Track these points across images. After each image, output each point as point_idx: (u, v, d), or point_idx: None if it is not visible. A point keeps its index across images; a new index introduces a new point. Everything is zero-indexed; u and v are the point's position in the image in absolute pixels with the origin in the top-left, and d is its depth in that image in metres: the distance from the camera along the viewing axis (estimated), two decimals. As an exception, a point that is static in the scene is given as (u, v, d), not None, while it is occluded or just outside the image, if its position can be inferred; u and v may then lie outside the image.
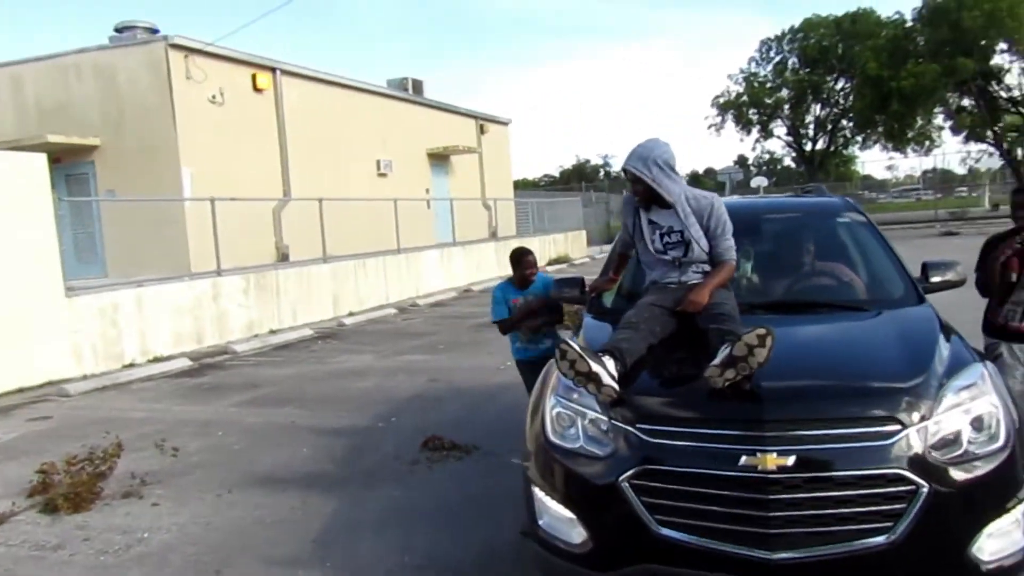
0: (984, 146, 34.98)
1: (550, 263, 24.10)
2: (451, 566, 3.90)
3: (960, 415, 2.83)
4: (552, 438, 3.08)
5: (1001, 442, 2.80)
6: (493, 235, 24.07)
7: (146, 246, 13.38)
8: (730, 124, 41.28)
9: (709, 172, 73.21)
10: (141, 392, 8.81)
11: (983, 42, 28.60)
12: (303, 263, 14.44)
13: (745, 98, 40.37)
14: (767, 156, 51.26)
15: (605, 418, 2.98)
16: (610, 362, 3.05)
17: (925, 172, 47.09)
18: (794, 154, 44.37)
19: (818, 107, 41.16)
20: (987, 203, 45.37)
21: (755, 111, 40.79)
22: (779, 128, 41.96)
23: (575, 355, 3.00)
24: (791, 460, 2.63)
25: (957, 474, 2.70)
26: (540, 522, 3.07)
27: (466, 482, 5.12)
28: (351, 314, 14.53)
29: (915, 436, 2.71)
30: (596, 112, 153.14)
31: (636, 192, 3.63)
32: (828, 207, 4.86)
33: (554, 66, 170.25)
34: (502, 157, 28.11)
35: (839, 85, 39.71)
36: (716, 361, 2.88)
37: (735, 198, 5.52)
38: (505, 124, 28.55)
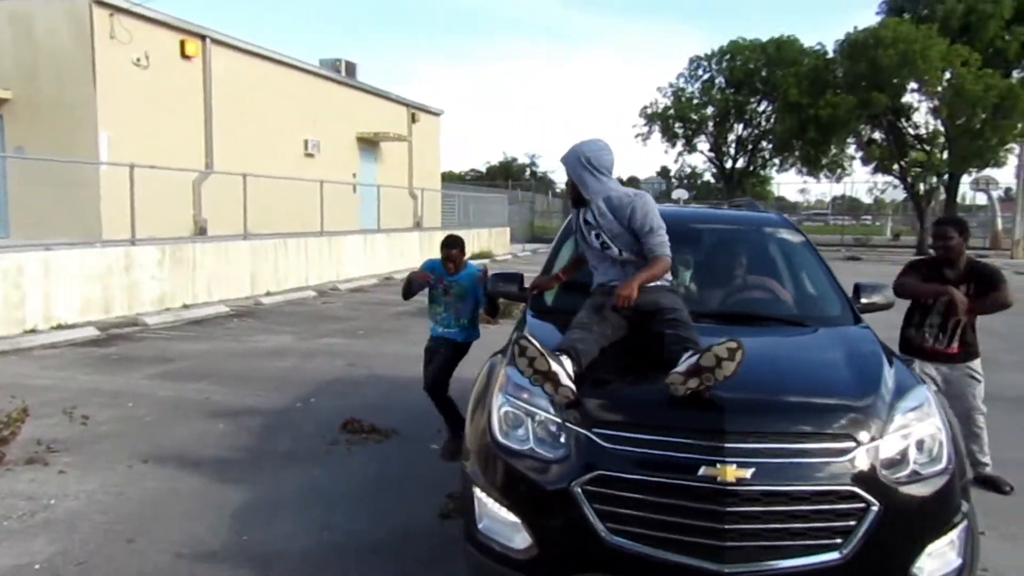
0: (890, 178, 36.87)
1: (473, 257, 23.95)
2: (369, 544, 3.95)
3: (907, 436, 2.86)
4: (499, 438, 2.97)
5: (943, 464, 2.86)
6: (418, 225, 23.97)
7: (55, 209, 12.76)
8: (656, 135, 42.39)
9: (632, 180, 74.65)
10: (44, 359, 8.45)
11: (896, 80, 30.15)
12: (222, 238, 14.07)
13: (672, 111, 41.44)
14: (689, 170, 52.70)
15: (559, 420, 2.89)
16: (567, 362, 2.96)
17: (835, 198, 49.38)
18: (714, 170, 45.79)
19: (740, 127, 42.59)
20: (889, 232, 47.90)
21: (681, 125, 41.92)
22: (703, 143, 43.31)
23: (535, 352, 2.90)
24: (749, 472, 2.60)
25: (904, 494, 2.73)
26: (479, 525, 2.94)
27: (385, 464, 5.17)
28: (269, 294, 14.26)
29: (867, 454, 2.73)
30: (525, 111, 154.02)
31: (568, 187, 3.71)
32: (765, 221, 4.88)
33: (486, 62, 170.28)
34: (432, 148, 28.01)
35: (762, 107, 41.23)
36: (679, 368, 2.83)
37: (670, 207, 5.68)
38: (437, 115, 28.46)
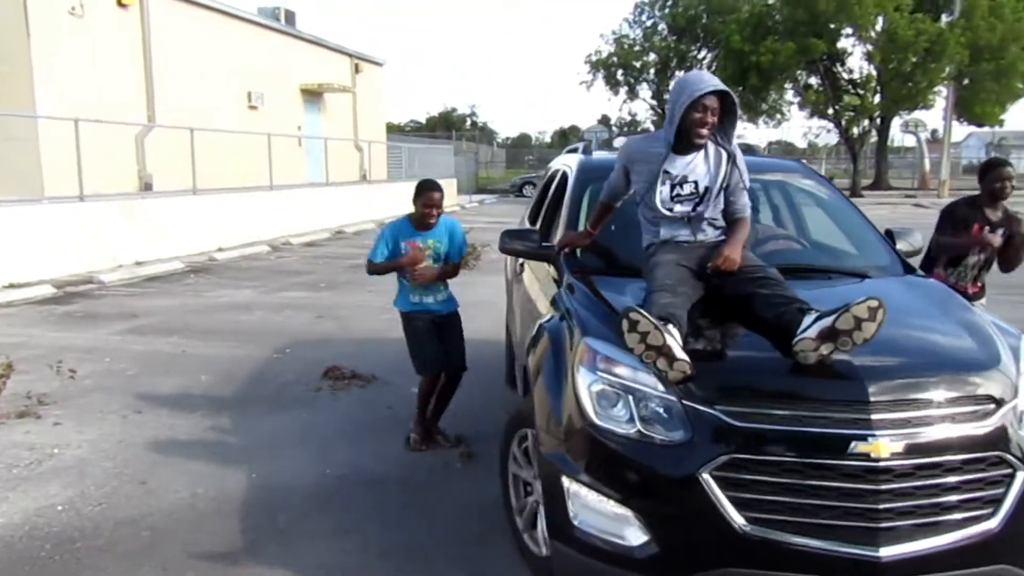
0: (825, 123, 37.92)
1: (421, 209, 24.14)
2: (372, 476, 4.21)
3: None
4: (597, 420, 2.62)
5: None
6: (364, 178, 23.80)
7: (-8, 166, 12.37)
8: (600, 83, 42.53)
9: (574, 129, 74.76)
10: (7, 317, 8.35)
11: (832, 25, 30.82)
12: (171, 194, 13.85)
13: (615, 59, 41.57)
14: (629, 118, 53.11)
15: (673, 397, 2.56)
16: (675, 332, 2.64)
17: (771, 143, 50.60)
18: (655, 117, 46.21)
19: (682, 74, 42.98)
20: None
21: (623, 72, 42.12)
22: (645, 91, 43.66)
23: (648, 325, 2.56)
24: (902, 446, 2.40)
25: None
26: (575, 521, 2.64)
27: (372, 406, 5.39)
28: (221, 249, 14.12)
29: (1007, 416, 2.57)
30: (466, 60, 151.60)
31: (696, 126, 3.07)
32: (790, 168, 4.52)
33: (425, 11, 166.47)
34: (376, 99, 27.63)
35: (702, 55, 41.71)
36: (809, 333, 2.54)
37: None
38: (380, 65, 28.02)
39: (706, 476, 2.42)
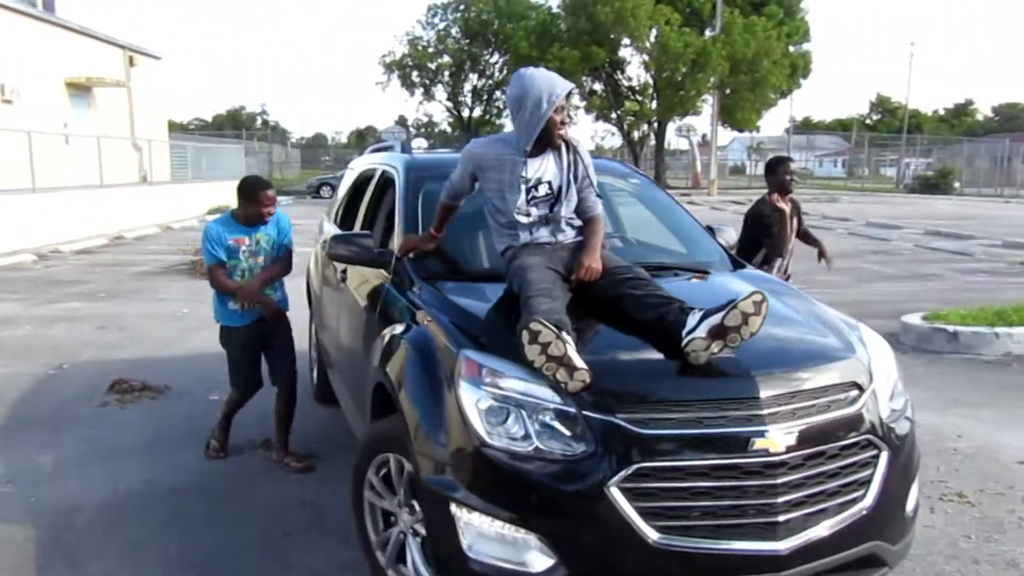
0: (609, 126, 40.55)
1: (210, 212, 22.90)
2: (171, 488, 4.04)
3: (887, 376, 2.86)
4: (490, 440, 2.43)
5: (905, 397, 2.91)
6: (144, 179, 22.18)
7: None
8: (396, 83, 42.55)
9: (371, 130, 74.02)
10: None
11: (612, 36, 32.98)
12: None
13: (409, 60, 41.78)
14: (426, 119, 53.62)
15: (572, 408, 2.42)
16: (571, 339, 2.50)
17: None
18: (451, 119, 47.03)
19: (476, 77, 44.20)
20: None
21: (419, 74, 42.44)
22: (441, 93, 44.28)
23: (550, 335, 2.42)
24: (794, 438, 2.44)
25: (897, 434, 2.74)
26: (470, 552, 2.44)
27: (166, 418, 5.14)
28: (-24, 260, 12.63)
29: (870, 400, 2.70)
30: (255, 58, 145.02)
31: (557, 128, 2.99)
32: (616, 170, 4.47)
33: (212, 4, 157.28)
34: (155, 95, 25.78)
35: (495, 59, 43.03)
36: (699, 332, 2.51)
37: None
38: (157, 58, 26.16)
39: (613, 490, 2.32)
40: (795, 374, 2.60)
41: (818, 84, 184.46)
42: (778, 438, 2.41)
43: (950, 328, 7.00)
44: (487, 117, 45.83)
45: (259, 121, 74.02)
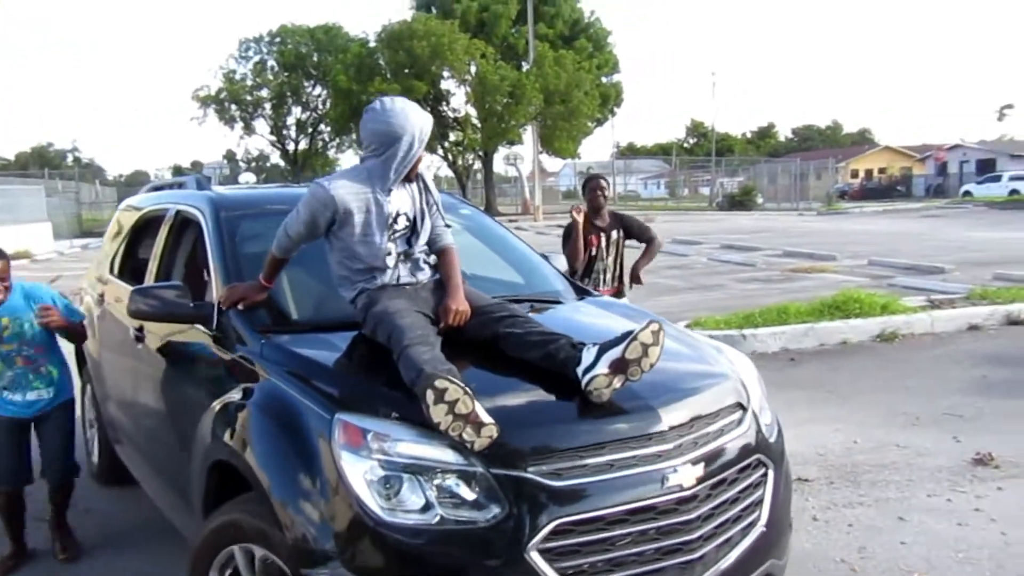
0: (436, 157, 41.34)
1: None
2: None
3: (757, 392, 2.87)
4: (384, 516, 2.12)
5: (768, 407, 2.91)
6: (-75, 228, 20.29)
7: None
8: (213, 118, 41.33)
9: (196, 165, 71.05)
10: None
11: (432, 68, 33.77)
12: None
13: (225, 94, 40.76)
14: (256, 152, 52.35)
15: (477, 468, 2.17)
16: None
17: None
18: (277, 151, 46.27)
19: (299, 110, 43.84)
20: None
21: (236, 108, 41.47)
22: (263, 127, 43.48)
23: (458, 392, 2.16)
24: (701, 469, 2.36)
25: (775, 447, 2.76)
26: None
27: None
28: None
29: (752, 419, 2.69)
30: (62, 92, 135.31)
31: (421, 159, 2.86)
32: (444, 203, 3.82)
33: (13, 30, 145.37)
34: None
35: (317, 91, 42.83)
36: (599, 368, 2.37)
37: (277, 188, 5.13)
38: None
39: (534, 554, 2.12)
40: (689, 401, 2.53)
41: (640, 111, 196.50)
42: (688, 471, 2.33)
43: (706, 333, 7.86)
44: (312, 150, 45.41)
45: (70, 159, 69.21)
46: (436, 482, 2.18)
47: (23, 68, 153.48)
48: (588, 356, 2.42)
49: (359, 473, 2.16)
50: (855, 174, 61.64)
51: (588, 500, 2.21)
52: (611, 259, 5.67)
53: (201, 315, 3.05)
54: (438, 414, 2.15)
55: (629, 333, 2.43)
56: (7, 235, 23.18)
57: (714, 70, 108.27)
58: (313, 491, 2.22)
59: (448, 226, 3.03)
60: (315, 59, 40.80)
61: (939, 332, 8.27)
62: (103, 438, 4.68)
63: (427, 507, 2.15)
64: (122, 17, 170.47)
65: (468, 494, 2.17)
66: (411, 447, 2.21)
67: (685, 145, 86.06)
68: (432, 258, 2.94)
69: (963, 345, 7.84)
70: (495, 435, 2.18)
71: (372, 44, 36.68)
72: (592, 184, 5.70)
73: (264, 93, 41.88)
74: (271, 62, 41.72)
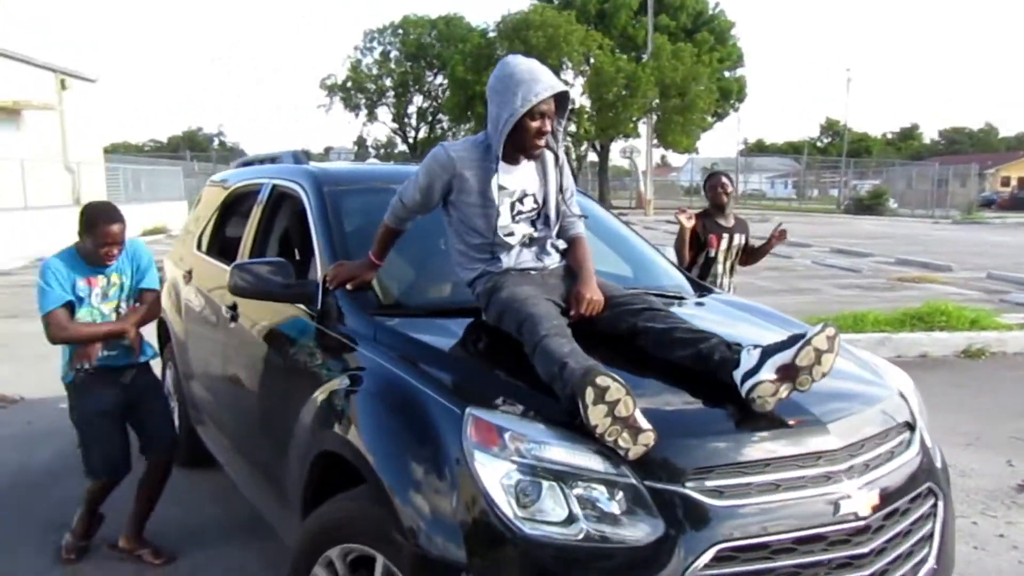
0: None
1: (145, 233, 23.09)
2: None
3: (921, 414, 2.55)
4: (524, 527, 1.85)
5: (933, 438, 2.61)
6: (78, 201, 22.31)
7: None
8: (339, 106, 43.21)
9: (328, 150, 74.33)
10: None
11: (549, 59, 33.92)
12: None
13: (351, 83, 42.46)
14: (385, 139, 54.30)
15: (632, 479, 1.91)
16: None
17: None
18: (400, 139, 47.81)
19: (420, 98, 45.08)
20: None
21: (361, 96, 43.13)
22: (385, 114, 45.12)
23: (619, 391, 1.90)
24: (876, 495, 2.07)
25: (945, 477, 2.49)
26: None
27: (7, 425, 5.51)
28: None
29: (920, 443, 2.38)
30: (211, 80, 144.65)
31: (532, 136, 2.49)
32: None
33: (161, 22, 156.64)
34: (88, 117, 25.94)
35: (438, 80, 43.87)
36: (765, 374, 2.06)
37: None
38: (92, 81, 26.36)
39: None
40: (859, 418, 2.23)
41: (772, 107, 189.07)
42: (863, 497, 2.02)
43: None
44: (431, 138, 46.64)
45: (216, 142, 73.87)
46: (578, 492, 1.90)
47: (176, 59, 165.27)
48: (749, 359, 2.13)
49: (495, 476, 1.90)
50: (1006, 182, 57.08)
51: (753, 524, 1.92)
52: (729, 264, 5.28)
53: (305, 294, 2.86)
54: (596, 416, 1.89)
55: (799, 336, 2.12)
56: (149, 212, 25.29)
57: (849, 66, 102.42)
58: (441, 494, 1.97)
59: (584, 216, 2.80)
60: (436, 49, 41.80)
61: (1033, 353, 7.71)
62: (185, 418, 4.46)
63: (570, 519, 1.87)
64: (264, 10, 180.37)
65: (616, 508, 1.89)
66: (553, 450, 1.94)
67: (818, 144, 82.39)
68: (561, 243, 2.69)
69: (1055, 367, 7.29)
70: (652, 443, 1.91)
71: (491, 34, 37.15)
72: (713, 181, 5.35)
73: (387, 82, 43.34)
74: (394, 52, 43.05)
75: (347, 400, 2.38)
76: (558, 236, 2.68)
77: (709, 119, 37.30)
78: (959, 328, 7.85)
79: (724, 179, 5.34)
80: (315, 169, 3.47)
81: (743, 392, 2.09)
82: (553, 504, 1.88)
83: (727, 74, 37.76)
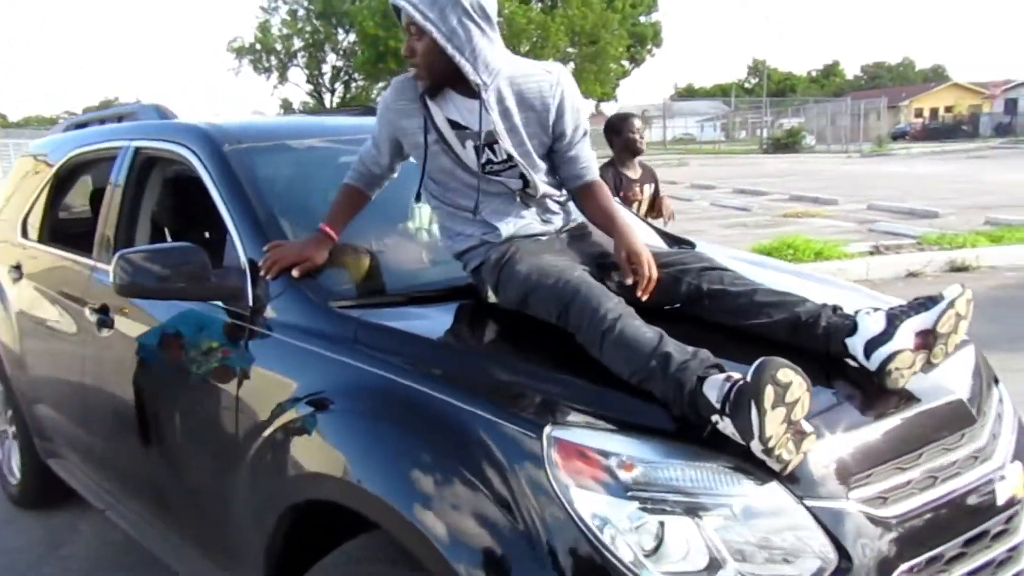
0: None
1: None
2: None
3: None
4: None
5: None
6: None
7: None
8: (248, 69, 42.11)
9: (258, 114, 72.31)
10: None
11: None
12: None
13: (258, 45, 41.30)
14: (311, 101, 53.12)
15: (789, 497, 1.48)
16: None
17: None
18: (313, 102, 46.76)
19: (334, 57, 44.06)
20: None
21: (270, 57, 42.06)
22: (299, 76, 44.13)
23: (802, 388, 1.45)
24: (1018, 472, 1.77)
25: None
26: None
27: None
28: None
29: (1005, 393, 2.14)
30: (124, 47, 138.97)
31: (411, 56, 1.96)
32: None
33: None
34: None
35: (351, 38, 42.89)
36: (902, 342, 1.67)
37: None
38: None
39: None
40: (981, 385, 1.94)
41: (702, 51, 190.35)
42: (1015, 474, 1.73)
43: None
44: (348, 98, 45.79)
45: (134, 111, 71.48)
46: (716, 525, 1.42)
47: (85, 24, 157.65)
48: (874, 325, 1.71)
49: (604, 517, 1.40)
50: (919, 113, 58.69)
51: (923, 533, 1.55)
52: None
53: (228, 288, 2.15)
54: (773, 424, 1.41)
55: (936, 298, 1.74)
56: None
57: (769, 6, 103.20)
58: (524, 550, 1.42)
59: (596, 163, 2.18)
60: (346, 5, 40.85)
61: (874, 279, 7.99)
62: (29, 451, 3.61)
63: (713, 565, 1.39)
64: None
65: (773, 540, 1.44)
66: (676, 471, 1.46)
67: (746, 86, 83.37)
68: (564, 196, 2.13)
69: (894, 293, 7.57)
70: (811, 450, 1.49)
71: (397, -11, 36.43)
72: (628, 126, 4.41)
73: (297, 43, 42.31)
74: (301, 11, 42.02)
75: (334, 430, 1.77)
76: (561, 187, 2.12)
77: (627, 65, 37.31)
78: (804, 260, 8.09)
79: (637, 122, 4.55)
80: (206, 125, 2.61)
81: (872, 365, 1.69)
82: (686, 544, 1.39)
83: (642, 19, 37.66)
